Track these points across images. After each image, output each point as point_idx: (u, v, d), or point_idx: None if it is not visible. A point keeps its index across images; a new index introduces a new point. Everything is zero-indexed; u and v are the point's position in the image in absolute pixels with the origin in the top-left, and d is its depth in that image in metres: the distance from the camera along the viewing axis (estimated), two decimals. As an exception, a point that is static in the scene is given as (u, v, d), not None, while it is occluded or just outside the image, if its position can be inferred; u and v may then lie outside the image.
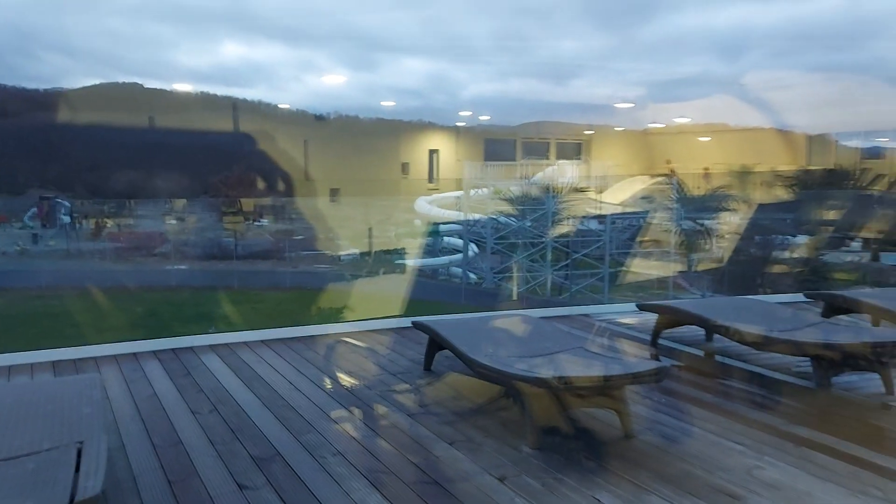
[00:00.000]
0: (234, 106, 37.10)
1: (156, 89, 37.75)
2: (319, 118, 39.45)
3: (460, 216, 29.02)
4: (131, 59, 42.19)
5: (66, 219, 28.27)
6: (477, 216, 27.77)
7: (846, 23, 33.32)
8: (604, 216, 26.36)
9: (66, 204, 28.65)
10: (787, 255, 22.23)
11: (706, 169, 34.76)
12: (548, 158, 40.37)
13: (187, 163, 33.30)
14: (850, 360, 4.70)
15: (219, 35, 41.79)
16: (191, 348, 5.81)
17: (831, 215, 23.15)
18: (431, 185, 38.80)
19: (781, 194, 26.99)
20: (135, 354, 5.60)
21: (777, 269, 21.51)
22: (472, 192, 29.70)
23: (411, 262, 26.97)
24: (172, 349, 5.76)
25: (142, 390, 4.77)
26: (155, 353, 5.67)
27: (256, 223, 29.10)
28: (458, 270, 26.75)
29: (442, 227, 28.88)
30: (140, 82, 38.37)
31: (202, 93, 38.64)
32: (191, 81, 38.98)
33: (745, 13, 38.62)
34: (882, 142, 33.26)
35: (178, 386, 4.87)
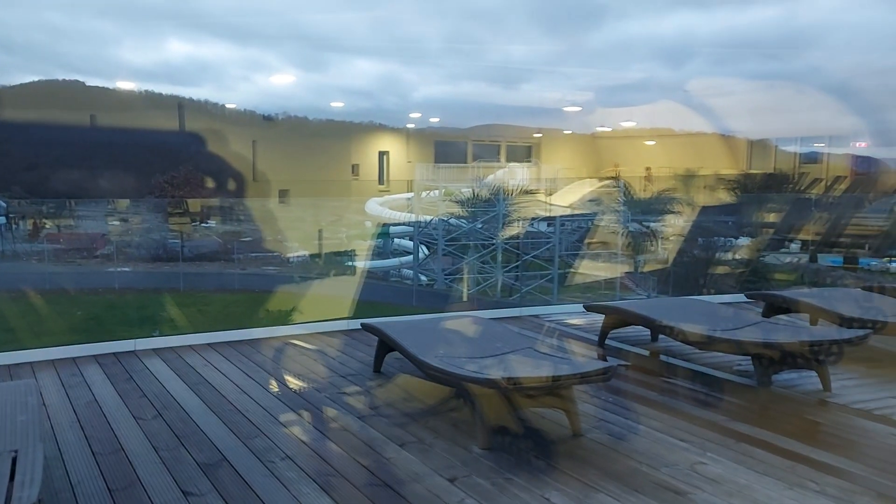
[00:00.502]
0: (180, 105, 36.33)
1: (98, 87, 36.69)
2: (268, 118, 38.91)
3: (411, 218, 28.97)
4: (72, 55, 40.90)
5: (2, 219, 27.25)
6: (428, 218, 27.76)
7: (783, 33, 34.49)
8: (553, 218, 26.64)
9: (2, 204, 27.61)
10: (729, 256, 22.81)
11: (648, 169, 35.60)
12: (498, 161, 40.63)
13: (131, 162, 32.47)
14: (789, 358, 4.85)
15: (163, 32, 40.79)
16: (133, 352, 5.67)
17: (771, 218, 23.84)
18: (382, 187, 38.66)
19: (724, 197, 27.70)
20: (74, 359, 5.43)
21: (719, 270, 22.07)
22: (423, 193, 29.70)
23: (362, 263, 26.79)
24: (114, 353, 5.61)
25: (81, 396, 4.62)
26: (95, 357, 5.51)
27: (203, 224, 28.51)
28: (409, 272, 26.70)
29: (392, 229, 28.78)
30: (81, 80, 37.23)
31: (146, 91, 37.69)
32: (134, 79, 37.96)
33: (688, 22, 39.62)
34: (819, 147, 34.49)
35: (119, 391, 4.74)
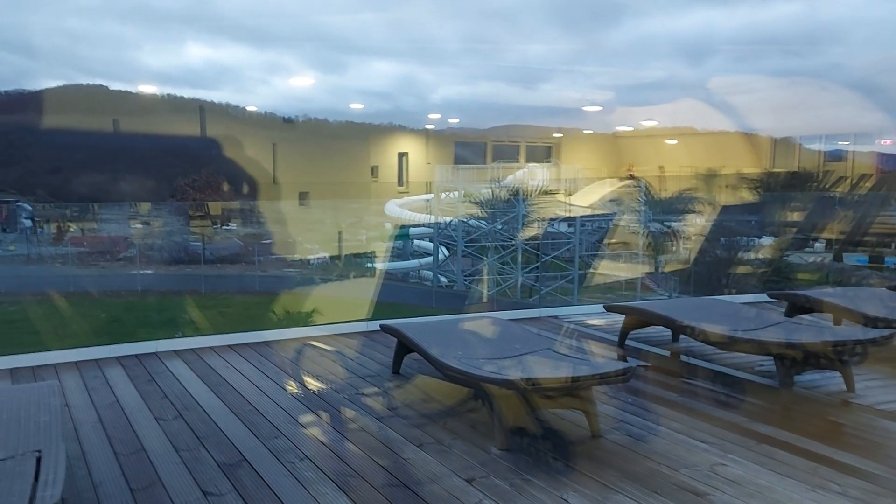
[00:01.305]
0: (201, 108, 36.68)
1: (120, 91, 37.16)
2: (288, 121, 39.16)
3: (431, 219, 29.01)
4: (93, 60, 41.52)
5: (27, 223, 27.69)
6: (447, 219, 27.78)
7: (805, 29, 34.12)
8: (573, 219, 26.55)
9: (28, 207, 28.07)
10: (751, 255, 22.59)
11: (661, 168, 35.43)
12: (518, 161, 40.55)
13: (153, 166, 32.85)
14: (812, 358, 4.79)
15: (182, 36, 41.28)
16: (155, 354, 5.72)
17: (795, 217, 23.56)
18: (401, 189, 38.75)
19: (746, 196, 27.45)
20: (96, 361, 5.49)
21: (742, 269, 21.84)
22: (443, 195, 29.73)
23: (381, 265, 26.89)
24: (136, 355, 5.67)
25: (103, 397, 4.68)
26: (118, 359, 5.57)
27: (224, 227, 28.77)
28: (429, 273, 26.74)
29: (412, 231, 28.84)
30: (104, 84, 37.73)
31: (168, 95, 38.12)
32: (156, 83, 38.43)
33: (708, 18, 39.34)
34: (843, 145, 34.03)
35: (141, 392, 4.78)
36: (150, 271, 23.37)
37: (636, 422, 4.24)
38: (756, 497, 3.22)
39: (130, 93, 37.16)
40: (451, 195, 29.45)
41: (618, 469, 3.52)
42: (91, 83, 38.07)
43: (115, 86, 38.01)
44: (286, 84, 43.27)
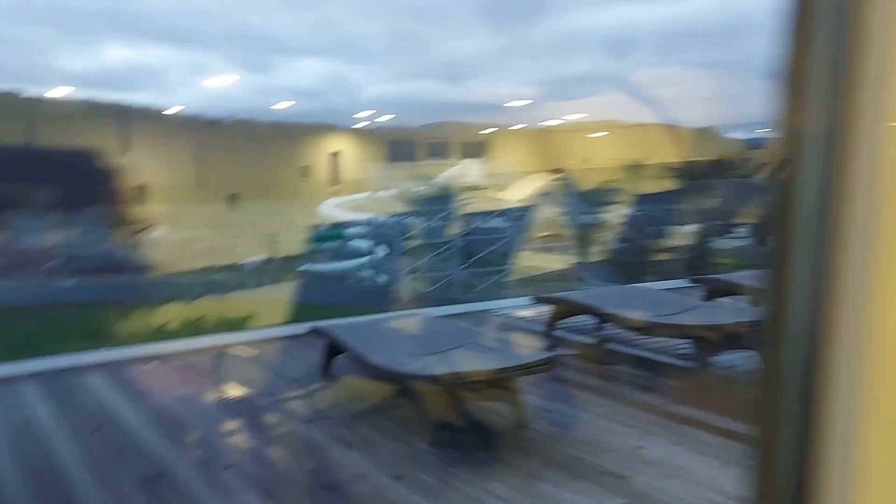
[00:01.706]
0: (122, 112, 35.51)
1: (34, 98, 35.62)
2: (213, 122, 38.28)
3: (365, 218, 28.89)
4: (6, 64, 39.67)
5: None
6: (382, 217, 27.72)
7: (722, 21, 35.39)
8: (505, 213, 26.86)
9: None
10: (675, 242, 23.28)
11: (588, 160, 36.33)
12: (450, 158, 40.75)
13: (73, 172, 31.63)
14: (729, 339, 4.96)
15: (100, 37, 39.85)
16: (73, 368, 5.51)
17: (716, 203, 24.41)
18: (334, 188, 38.41)
19: (669, 185, 28.28)
20: (8, 378, 5.25)
21: (665, 256, 22.51)
22: (377, 193, 29.65)
23: (315, 266, 26.60)
24: (52, 370, 5.44)
25: (14, 416, 4.48)
26: (32, 375, 5.32)
27: (150, 233, 27.94)
28: (364, 273, 26.60)
29: (346, 230, 28.64)
30: (17, 90, 36.06)
31: (86, 100, 36.72)
32: (73, 86, 36.99)
33: (630, 12, 40.35)
34: (762, 133, 35.37)
35: (57, 409, 4.60)
36: (71, 281, 22.50)
37: (561, 410, 4.32)
38: (675, 477, 3.32)
39: (45, 98, 35.68)
40: (385, 193, 29.42)
41: (541, 457, 3.58)
42: (2, 90, 36.35)
43: (28, 91, 36.38)
44: (210, 85, 42.33)
